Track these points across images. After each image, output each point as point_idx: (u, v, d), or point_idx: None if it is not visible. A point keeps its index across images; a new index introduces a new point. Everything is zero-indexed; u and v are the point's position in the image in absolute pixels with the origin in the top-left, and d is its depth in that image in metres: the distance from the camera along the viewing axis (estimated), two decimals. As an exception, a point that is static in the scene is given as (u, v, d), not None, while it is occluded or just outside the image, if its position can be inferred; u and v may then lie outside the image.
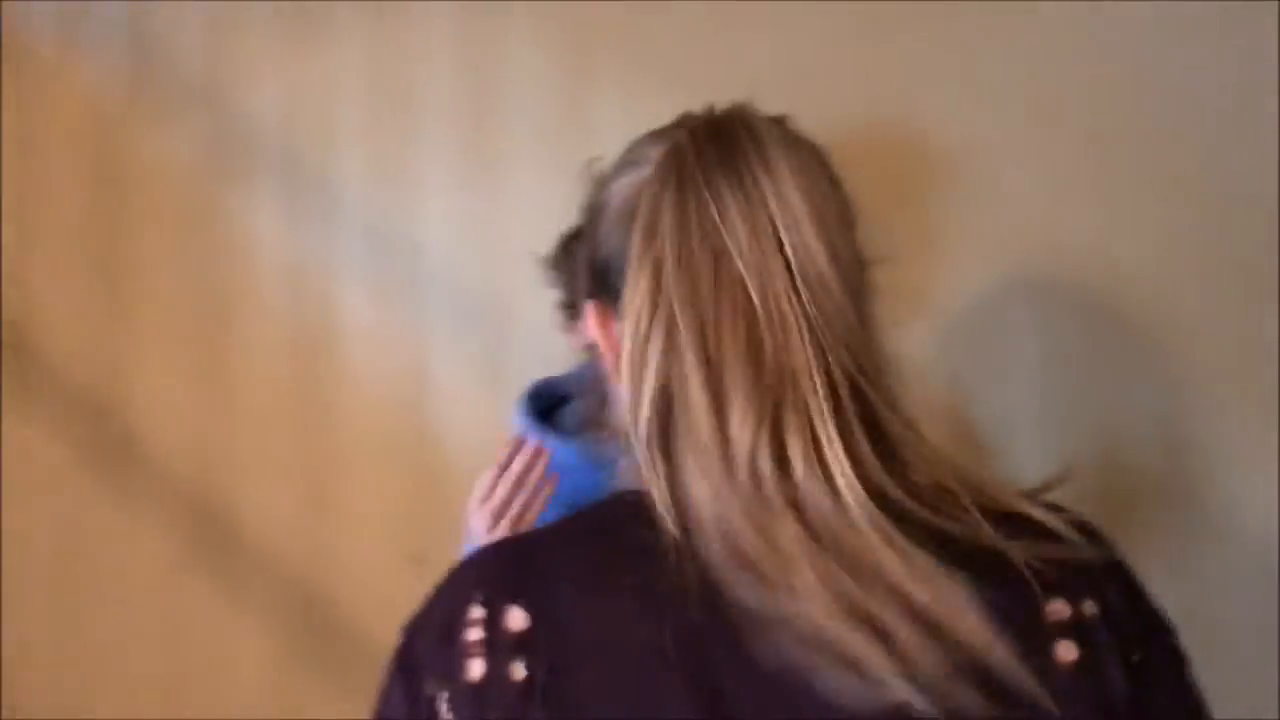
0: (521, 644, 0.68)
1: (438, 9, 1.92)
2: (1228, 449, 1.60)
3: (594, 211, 0.80)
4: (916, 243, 1.63)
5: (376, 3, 1.96)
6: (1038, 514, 0.71)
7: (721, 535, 0.67)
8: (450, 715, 0.70)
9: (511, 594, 0.71)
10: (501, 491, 1.25)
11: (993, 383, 1.68)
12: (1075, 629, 0.68)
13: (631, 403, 0.72)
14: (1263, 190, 1.59)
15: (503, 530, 1.26)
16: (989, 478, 0.73)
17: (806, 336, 0.69)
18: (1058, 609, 0.69)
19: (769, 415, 0.68)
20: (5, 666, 2.07)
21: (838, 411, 0.68)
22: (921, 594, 0.64)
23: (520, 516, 1.26)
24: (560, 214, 1.82)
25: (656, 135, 0.78)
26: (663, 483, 0.70)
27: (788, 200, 0.71)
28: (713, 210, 0.70)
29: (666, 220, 0.71)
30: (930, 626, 0.63)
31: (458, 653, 0.70)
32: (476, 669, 0.69)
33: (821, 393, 0.68)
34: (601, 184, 0.80)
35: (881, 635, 0.63)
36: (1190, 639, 0.75)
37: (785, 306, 0.69)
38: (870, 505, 0.66)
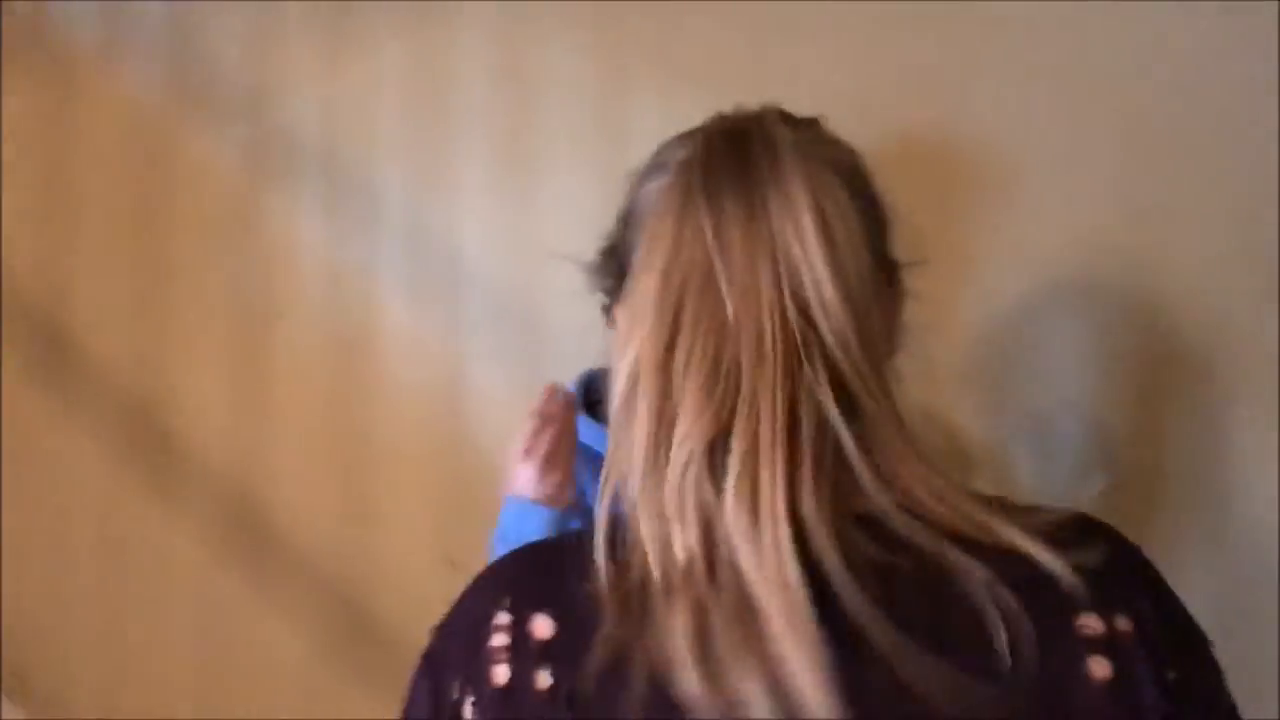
0: (547, 652, 0.68)
1: (477, 15, 1.93)
2: (1267, 454, 1.58)
3: (623, 215, 0.80)
4: (946, 248, 1.62)
5: (417, 9, 1.97)
6: (1043, 556, 0.68)
7: (649, 551, 0.67)
8: None
9: (538, 601, 0.71)
10: (528, 427, 1.29)
11: (1024, 388, 1.67)
12: (1108, 645, 0.66)
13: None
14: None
15: (531, 465, 1.28)
16: (993, 503, 0.71)
17: (779, 361, 0.67)
18: (1089, 623, 0.67)
19: (707, 438, 0.66)
20: (39, 663, 2.10)
21: (790, 441, 0.66)
22: (785, 643, 0.62)
23: (551, 453, 1.27)
24: (596, 219, 1.84)
25: (684, 137, 0.78)
26: (608, 493, 0.70)
27: (794, 216, 0.69)
28: (709, 224, 0.69)
29: (665, 231, 0.71)
30: (773, 683, 0.62)
31: (483, 658, 0.70)
32: (501, 675, 0.69)
33: (779, 421, 0.66)
34: (632, 187, 0.79)
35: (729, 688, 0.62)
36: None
37: (765, 328, 0.67)
38: (786, 537, 0.64)
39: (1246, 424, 1.59)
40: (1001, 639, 0.63)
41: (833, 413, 0.66)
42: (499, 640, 0.70)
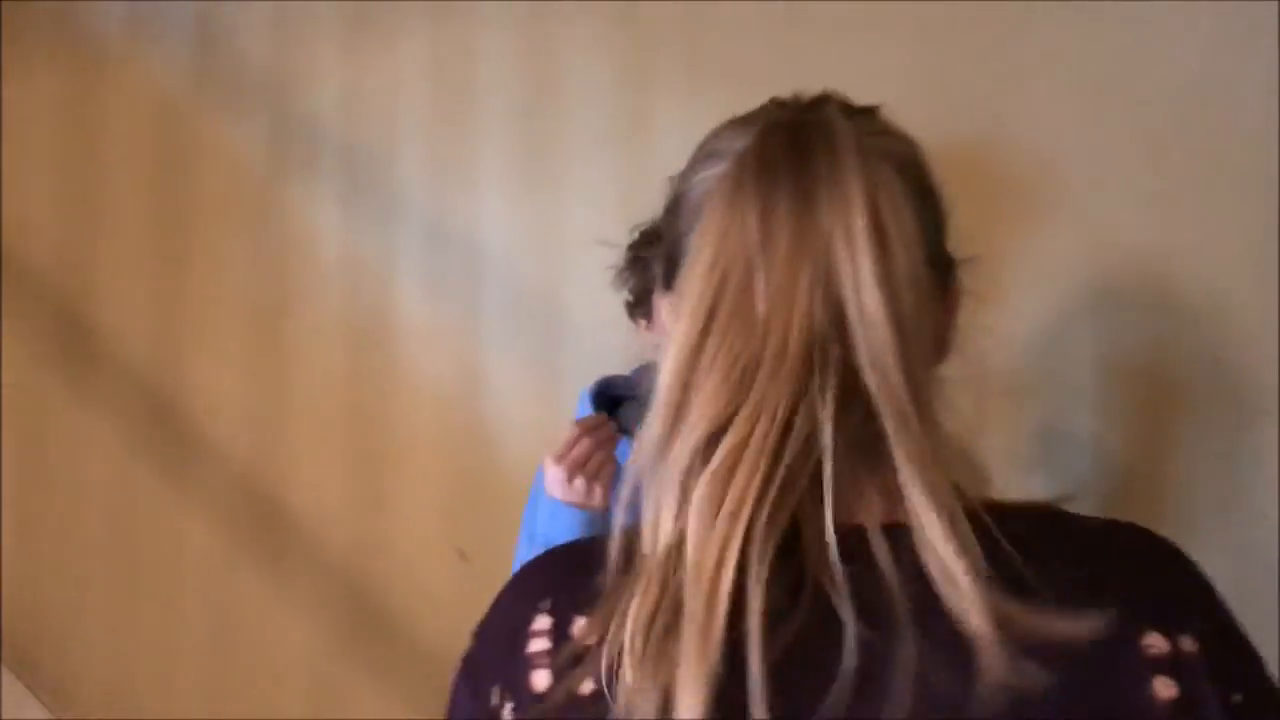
0: (590, 656, 0.66)
1: (499, 9, 1.93)
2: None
3: (673, 202, 0.78)
4: (985, 252, 1.60)
5: (438, 3, 1.97)
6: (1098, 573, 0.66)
7: (644, 537, 0.66)
8: None
9: (579, 604, 0.68)
10: (580, 450, 1.30)
11: (1038, 391, 1.65)
12: (1173, 665, 0.64)
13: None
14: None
15: (579, 484, 1.29)
16: (1040, 517, 0.69)
17: (794, 366, 0.65)
18: (1154, 642, 0.65)
19: (708, 431, 0.65)
20: (47, 652, 2.11)
21: (778, 448, 0.64)
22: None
23: (597, 472, 1.30)
24: (617, 213, 1.83)
25: (740, 125, 0.75)
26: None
27: (846, 216, 0.67)
28: (758, 220, 0.68)
29: (714, 224, 0.69)
30: (666, 688, 0.61)
31: (523, 663, 0.68)
32: (542, 680, 0.67)
33: (776, 426, 0.64)
34: (682, 175, 0.78)
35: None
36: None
37: (791, 331, 0.66)
38: (736, 540, 0.62)
39: (1248, 429, 1.57)
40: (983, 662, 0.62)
41: (826, 428, 0.65)
42: (539, 645, 0.68)
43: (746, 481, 0.64)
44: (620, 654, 0.63)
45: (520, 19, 1.92)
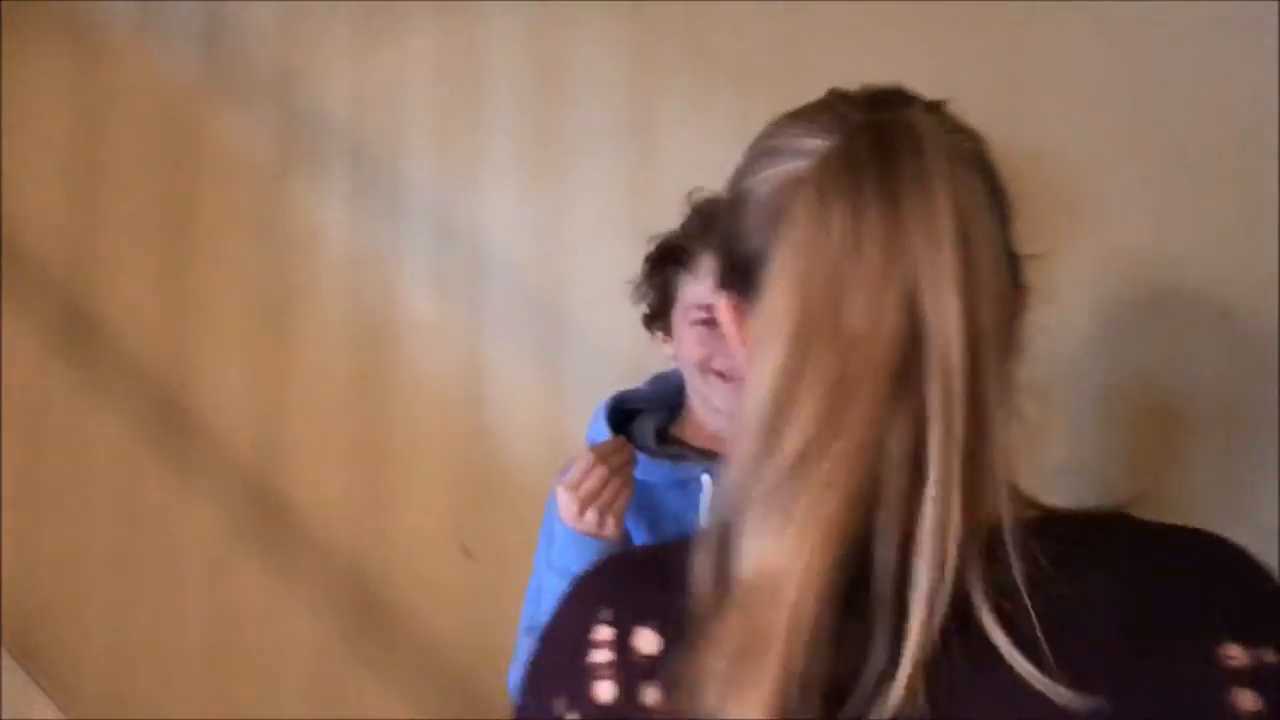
0: (654, 667, 0.66)
1: (506, 7, 1.93)
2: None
3: (736, 200, 0.76)
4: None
5: (446, 2, 1.97)
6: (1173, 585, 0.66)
7: (737, 559, 0.65)
8: None
9: (640, 614, 0.68)
10: (593, 481, 1.28)
11: (1054, 401, 1.65)
12: (1255, 677, 0.63)
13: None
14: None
15: (590, 517, 1.28)
16: (1115, 524, 0.68)
17: (889, 382, 0.64)
18: (1234, 654, 0.64)
19: (800, 454, 0.64)
20: (48, 643, 2.11)
21: (875, 470, 0.64)
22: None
23: (610, 503, 1.28)
24: (623, 213, 1.84)
25: (805, 122, 0.73)
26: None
27: (934, 230, 0.64)
28: (850, 234, 0.65)
29: (802, 237, 0.67)
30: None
31: (586, 674, 0.68)
32: (606, 692, 0.67)
33: (866, 447, 0.63)
34: (742, 171, 0.76)
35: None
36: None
37: (885, 350, 0.64)
38: (821, 568, 0.62)
39: (1250, 440, 1.56)
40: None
41: (924, 445, 0.63)
42: (601, 656, 0.68)
43: (840, 503, 0.63)
44: (700, 673, 0.62)
45: (527, 16, 1.91)
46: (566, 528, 1.30)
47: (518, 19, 1.92)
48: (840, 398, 0.64)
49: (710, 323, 1.33)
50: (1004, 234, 0.71)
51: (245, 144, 2.08)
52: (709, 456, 1.39)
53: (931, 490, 0.63)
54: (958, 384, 0.64)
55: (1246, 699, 0.63)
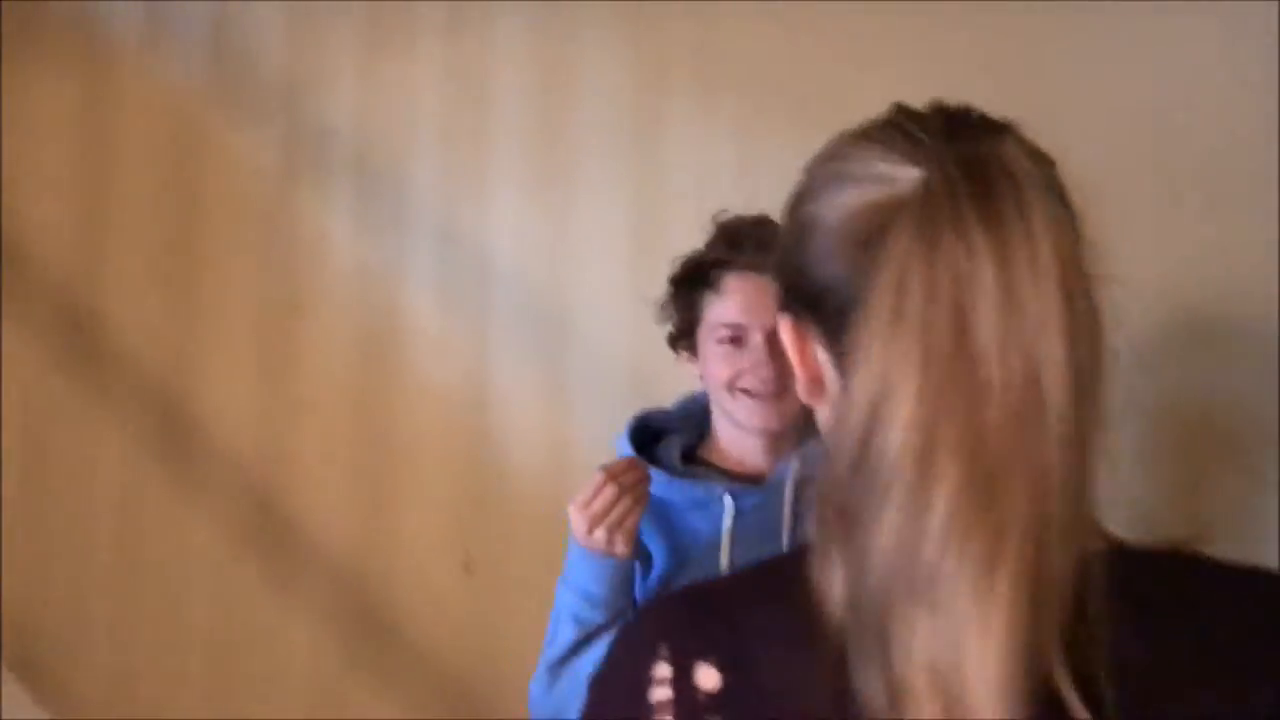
0: (716, 704, 0.65)
1: (513, 19, 1.93)
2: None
3: (801, 225, 0.74)
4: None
5: (452, 11, 1.98)
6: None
7: (893, 615, 0.62)
8: None
9: (700, 650, 0.67)
10: (602, 501, 1.29)
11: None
12: None
13: (832, 455, 0.66)
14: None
15: (600, 536, 1.29)
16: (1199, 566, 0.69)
17: (1026, 428, 0.63)
18: None
19: (975, 516, 0.61)
20: (48, 654, 2.10)
21: (1031, 531, 0.62)
22: None
23: (620, 522, 1.29)
24: (628, 225, 1.84)
25: (882, 148, 0.69)
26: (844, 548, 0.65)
27: (1037, 264, 0.64)
28: (962, 272, 0.63)
29: (916, 276, 0.64)
30: None
31: (645, 713, 0.67)
32: None
33: (1033, 495, 0.62)
34: (805, 194, 0.74)
35: None
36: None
37: (1015, 388, 0.63)
38: (1006, 661, 0.60)
39: (1256, 458, 1.56)
40: None
41: (1043, 477, 0.62)
42: (661, 694, 0.67)
43: (1012, 592, 0.61)
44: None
45: (533, 26, 1.92)
46: (576, 547, 1.31)
47: (523, 29, 1.92)
48: (980, 456, 0.62)
49: (736, 341, 1.34)
50: (1088, 280, 0.69)
51: (251, 153, 2.08)
52: (733, 478, 1.39)
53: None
54: (1069, 429, 0.63)
55: None
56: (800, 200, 0.73)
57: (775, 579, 0.71)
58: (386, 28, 2.02)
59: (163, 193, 2.13)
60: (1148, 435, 1.59)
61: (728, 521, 1.34)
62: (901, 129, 0.71)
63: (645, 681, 0.67)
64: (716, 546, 1.34)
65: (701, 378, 1.41)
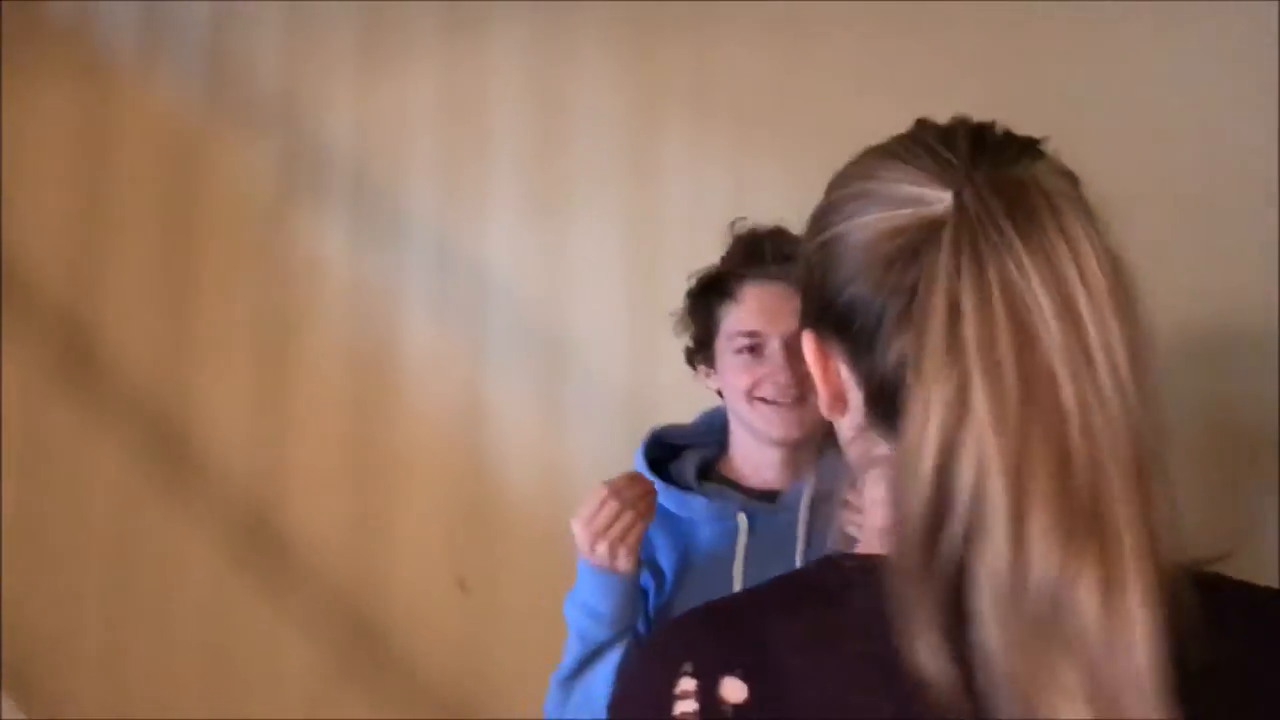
0: (743, 716, 0.64)
1: (510, 42, 1.95)
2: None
3: (826, 241, 0.73)
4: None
5: (449, 31, 1.99)
6: None
7: (994, 655, 0.61)
8: None
9: (725, 663, 0.66)
10: (605, 515, 1.29)
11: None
12: None
13: (899, 488, 0.65)
14: None
15: (601, 551, 1.28)
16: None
17: (1106, 445, 0.62)
18: None
19: (1076, 539, 0.61)
20: (44, 667, 2.09)
21: (1137, 545, 0.61)
22: None
23: (622, 537, 1.28)
24: (624, 243, 1.84)
25: (910, 168, 0.68)
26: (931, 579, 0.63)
27: (1089, 279, 0.63)
28: (1018, 293, 0.63)
29: (969, 299, 0.63)
30: None
31: None
32: None
33: (1125, 513, 0.61)
34: (830, 211, 0.73)
35: None
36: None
37: (1091, 404, 0.62)
38: (1155, 675, 0.59)
39: (1251, 463, 1.56)
40: None
41: (1115, 504, 0.61)
42: (686, 708, 0.66)
43: (1136, 602, 0.61)
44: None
45: (531, 51, 1.93)
46: (581, 562, 1.31)
47: (520, 52, 1.93)
48: (1069, 476, 0.62)
49: (755, 349, 1.35)
50: (1135, 296, 0.68)
51: (247, 172, 2.09)
52: (749, 494, 1.39)
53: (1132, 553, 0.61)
54: (1148, 442, 0.62)
55: None
56: (825, 217, 0.72)
57: (798, 591, 0.71)
58: (383, 49, 2.03)
59: (160, 209, 2.13)
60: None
61: (742, 539, 1.34)
62: (928, 147, 0.69)
63: (670, 697, 0.66)
64: (729, 563, 1.34)
65: (720, 391, 1.41)
